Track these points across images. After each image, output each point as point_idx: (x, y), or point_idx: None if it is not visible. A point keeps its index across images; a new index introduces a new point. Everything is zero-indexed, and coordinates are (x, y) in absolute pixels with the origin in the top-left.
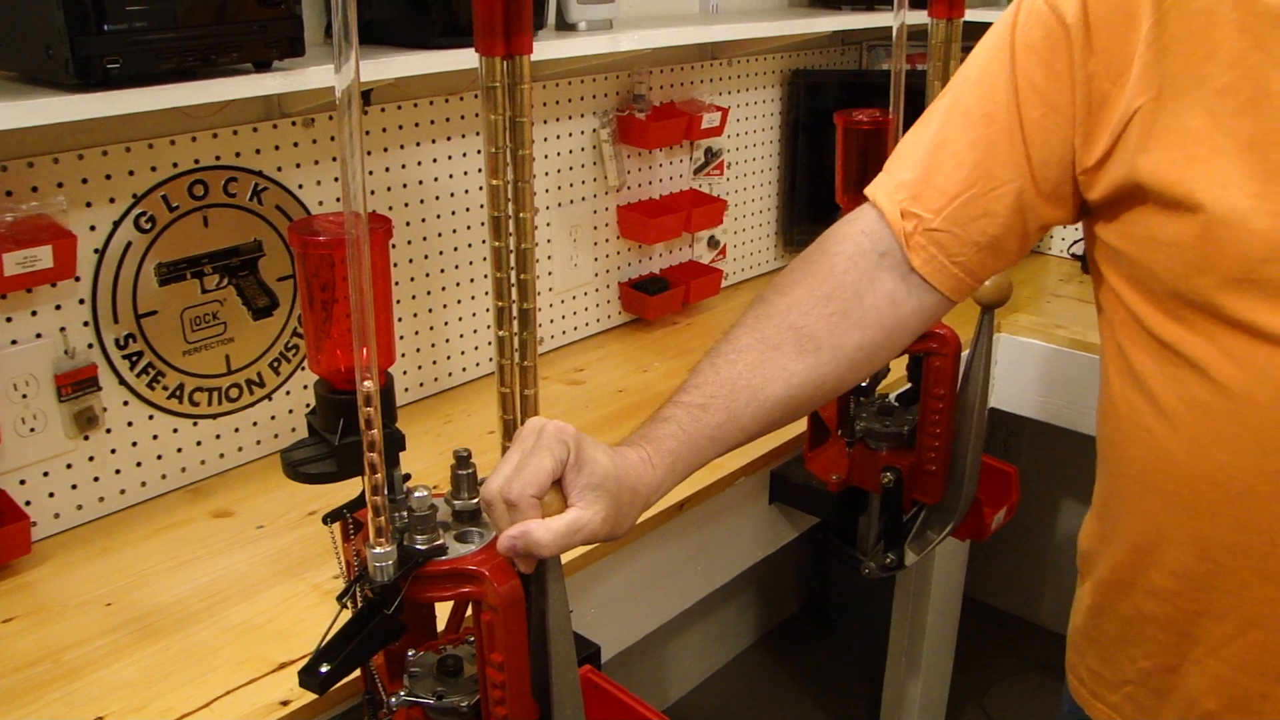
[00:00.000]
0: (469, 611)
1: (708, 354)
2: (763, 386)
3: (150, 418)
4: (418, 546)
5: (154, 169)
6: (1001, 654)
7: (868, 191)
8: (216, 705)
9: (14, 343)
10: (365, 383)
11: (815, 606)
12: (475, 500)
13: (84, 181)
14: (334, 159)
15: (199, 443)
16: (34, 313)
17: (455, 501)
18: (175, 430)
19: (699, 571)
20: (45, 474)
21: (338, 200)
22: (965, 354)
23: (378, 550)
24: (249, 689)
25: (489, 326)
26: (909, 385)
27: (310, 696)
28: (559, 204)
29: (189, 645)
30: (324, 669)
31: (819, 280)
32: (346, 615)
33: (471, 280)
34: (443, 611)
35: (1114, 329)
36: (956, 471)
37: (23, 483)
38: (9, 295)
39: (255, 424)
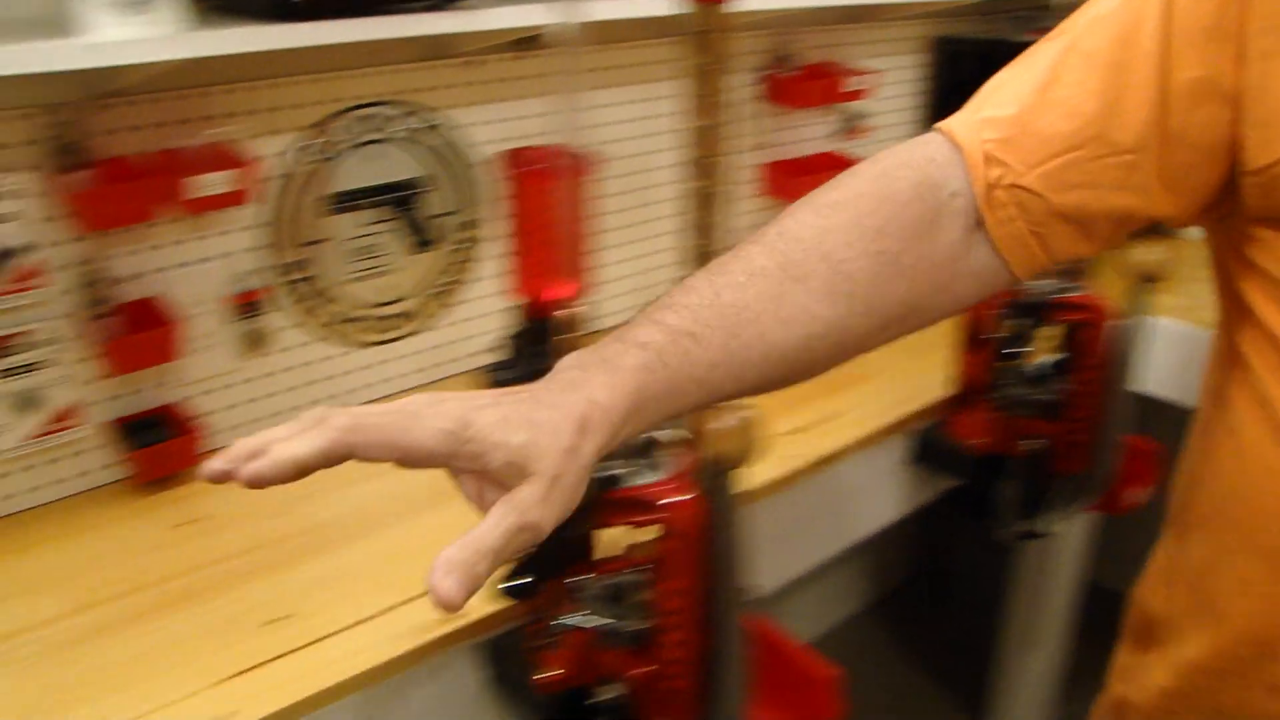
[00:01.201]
0: (635, 539)
1: (706, 269)
2: (775, 327)
3: (311, 343)
4: (606, 474)
5: (332, 101)
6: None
7: (940, 125)
8: (379, 620)
9: (188, 264)
10: (569, 308)
11: (930, 576)
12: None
13: (266, 110)
14: (501, 100)
15: (355, 370)
16: (211, 236)
17: None
18: (332, 357)
19: (832, 529)
20: (215, 390)
21: (504, 141)
22: (1117, 326)
23: None
24: (410, 606)
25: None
26: (1062, 355)
27: (472, 617)
28: None
29: (353, 561)
30: (513, 584)
31: (873, 206)
32: None
33: (646, 221)
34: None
35: (1258, 360)
36: (1101, 445)
37: (193, 398)
38: (190, 219)
39: (406, 356)
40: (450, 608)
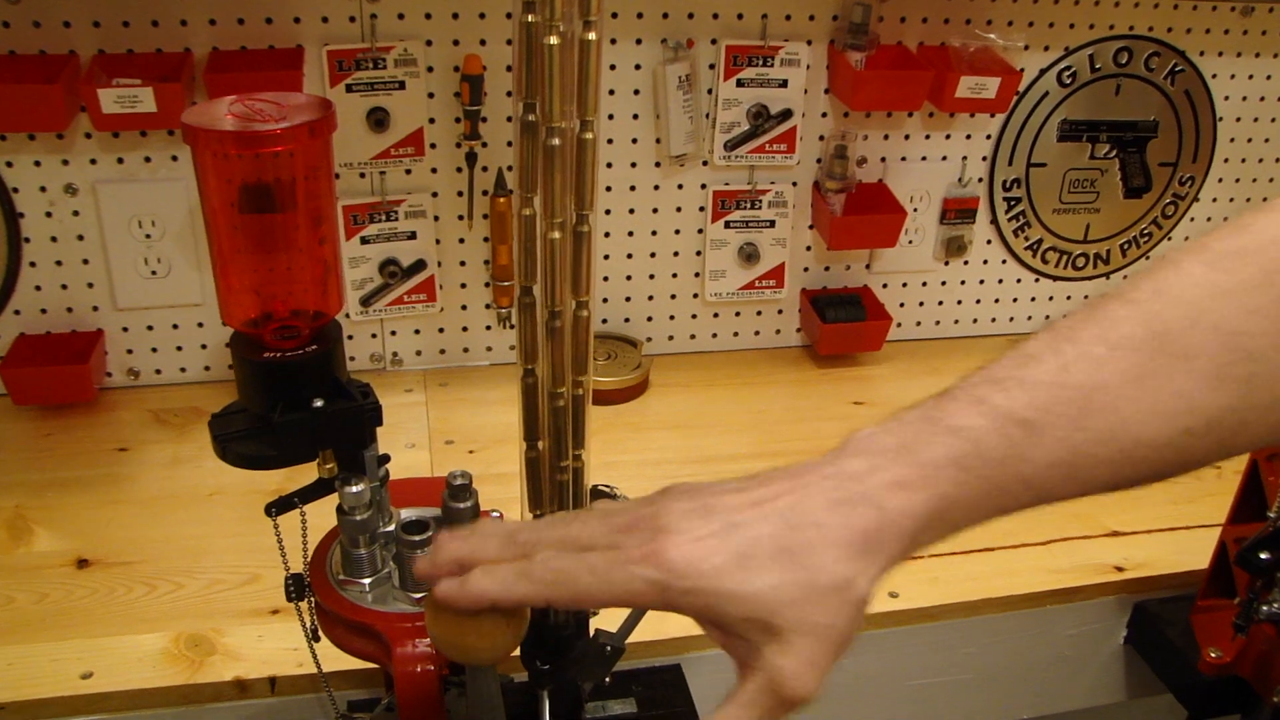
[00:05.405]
0: None
1: (1051, 330)
2: (1139, 418)
3: (1003, 261)
4: None
5: (1091, 27)
6: None
7: None
8: (1054, 547)
9: (924, 159)
10: None
11: None
12: None
13: (1037, 24)
14: (1256, 55)
15: (1039, 299)
16: (953, 136)
17: None
18: (1022, 280)
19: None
20: (910, 284)
21: (1258, 100)
22: None
23: None
24: (1082, 543)
25: None
26: None
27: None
28: None
29: None
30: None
31: None
32: None
33: None
34: None
35: None
36: None
37: (889, 287)
38: (940, 115)
39: (1089, 295)
40: None
